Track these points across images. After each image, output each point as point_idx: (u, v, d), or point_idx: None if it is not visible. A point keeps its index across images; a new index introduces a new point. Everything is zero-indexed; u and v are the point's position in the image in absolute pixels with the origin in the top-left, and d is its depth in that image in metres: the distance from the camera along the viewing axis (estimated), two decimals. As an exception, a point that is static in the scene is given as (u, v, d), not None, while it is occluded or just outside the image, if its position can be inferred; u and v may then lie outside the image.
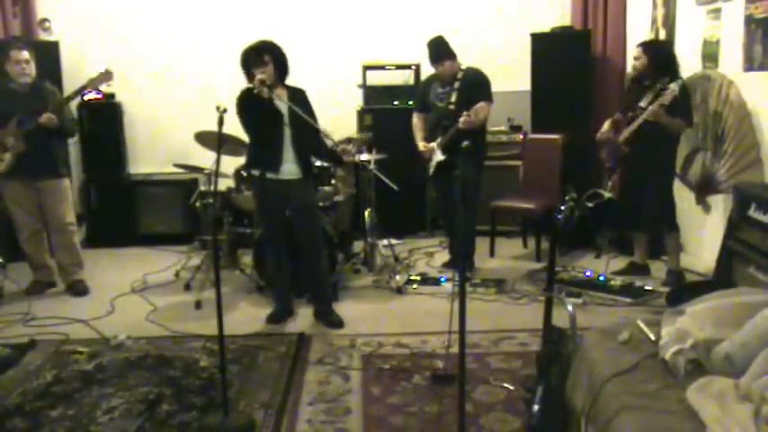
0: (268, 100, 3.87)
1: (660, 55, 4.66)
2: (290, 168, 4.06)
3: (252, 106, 3.96)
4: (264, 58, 3.93)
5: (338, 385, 3.40)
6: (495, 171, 5.85)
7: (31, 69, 4.66)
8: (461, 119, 4.61)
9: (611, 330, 2.71)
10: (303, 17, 6.34)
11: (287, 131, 4.03)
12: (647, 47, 4.68)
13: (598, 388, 2.32)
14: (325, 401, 3.23)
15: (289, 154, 4.04)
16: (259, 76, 3.85)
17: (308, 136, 4.08)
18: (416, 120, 5.19)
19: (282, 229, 4.24)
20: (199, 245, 6.04)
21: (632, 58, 4.76)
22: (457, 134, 4.67)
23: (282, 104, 4.00)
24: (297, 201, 4.14)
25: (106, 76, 4.65)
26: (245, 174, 5.07)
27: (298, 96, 4.10)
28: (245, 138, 4.61)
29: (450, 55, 4.86)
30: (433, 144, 4.98)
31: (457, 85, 4.88)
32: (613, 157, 4.82)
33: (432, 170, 5.05)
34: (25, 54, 4.61)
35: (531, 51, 6.02)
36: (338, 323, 4.18)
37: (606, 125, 4.90)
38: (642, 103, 4.57)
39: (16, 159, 4.59)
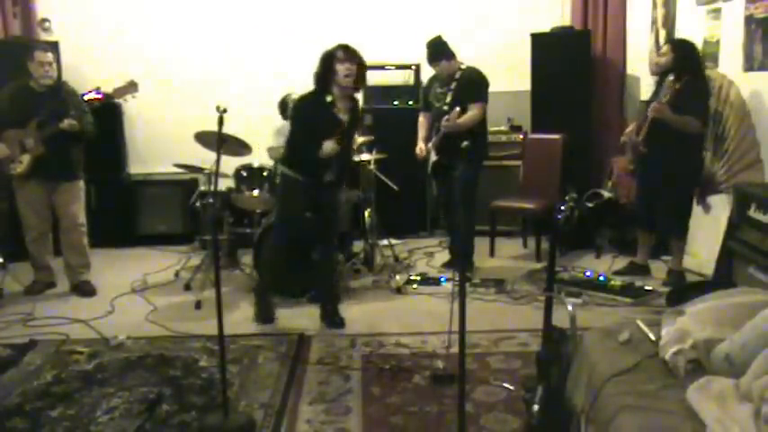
0: (331, 104, 3.93)
1: (685, 53, 4.53)
2: (331, 175, 4.10)
3: (316, 112, 3.95)
4: (356, 60, 3.94)
5: (338, 385, 3.39)
6: (495, 171, 5.85)
7: (54, 71, 4.67)
8: (442, 122, 4.65)
9: (611, 330, 2.71)
10: (303, 17, 6.34)
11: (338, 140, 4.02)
12: (675, 45, 4.61)
13: (598, 388, 2.32)
14: (325, 401, 3.23)
15: (335, 162, 4.05)
16: (349, 68, 3.87)
17: (350, 149, 4.25)
18: (422, 119, 5.19)
19: (299, 230, 4.22)
20: (199, 245, 6.04)
21: (658, 55, 4.69)
22: (446, 136, 4.68)
23: (343, 115, 4.01)
24: (327, 204, 4.17)
25: (132, 86, 4.67)
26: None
27: (356, 108, 4.17)
28: (245, 137, 4.62)
29: (447, 55, 4.86)
30: (429, 144, 4.99)
31: (454, 85, 4.89)
32: (636, 159, 4.77)
33: (430, 169, 5.07)
34: (49, 56, 4.62)
35: (531, 51, 6.02)
36: (339, 323, 4.18)
37: (630, 126, 4.81)
38: (662, 100, 4.53)
39: (35, 162, 4.59)
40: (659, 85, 4.63)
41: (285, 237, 4.22)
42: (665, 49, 4.64)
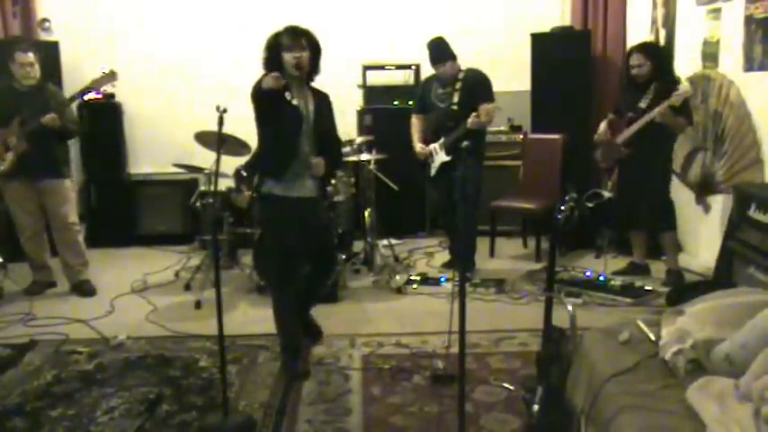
0: (283, 88, 3.29)
1: (662, 58, 4.63)
2: (307, 184, 3.54)
3: (270, 95, 3.30)
4: (303, 42, 3.40)
5: (338, 385, 3.40)
6: (495, 171, 5.85)
7: (36, 72, 4.65)
8: (470, 119, 4.61)
9: (611, 330, 2.71)
10: (303, 17, 6.31)
11: (307, 139, 3.50)
12: (648, 53, 4.62)
13: (598, 388, 2.32)
14: (325, 401, 3.23)
15: (308, 166, 3.50)
16: (296, 56, 3.35)
17: (330, 151, 3.61)
18: (415, 121, 5.17)
19: (298, 261, 3.61)
20: (199, 245, 6.04)
21: (632, 65, 4.65)
22: (463, 134, 4.65)
23: (308, 107, 3.50)
24: (313, 224, 3.63)
25: (110, 76, 4.64)
26: (244, 173, 5.03)
27: (324, 102, 3.62)
28: (245, 137, 4.61)
29: (452, 56, 4.86)
30: (434, 145, 4.98)
31: (458, 85, 4.88)
32: (611, 158, 4.83)
33: (434, 171, 5.04)
34: (30, 57, 4.61)
35: (531, 51, 6.02)
36: (317, 333, 3.94)
37: (603, 126, 4.89)
38: (642, 104, 4.56)
39: (18, 159, 4.59)
40: (637, 90, 4.64)
41: (283, 277, 3.58)
42: (638, 59, 4.60)
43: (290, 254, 3.54)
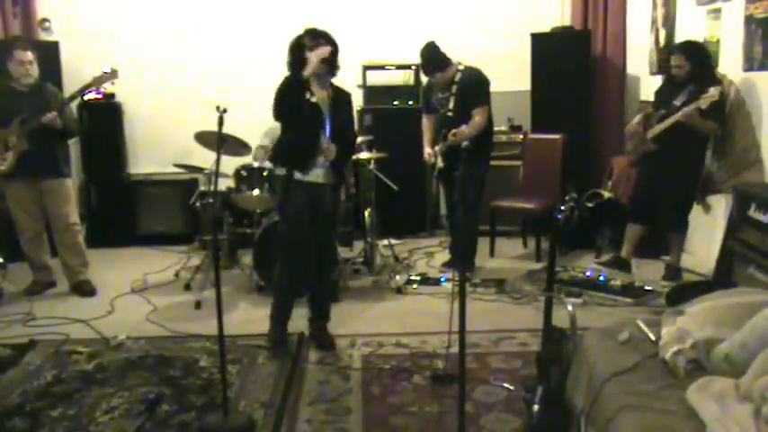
0: (304, 86, 3.60)
1: (703, 60, 4.53)
2: (319, 172, 3.77)
3: (292, 94, 3.65)
4: (323, 41, 3.67)
5: (338, 385, 3.40)
6: (495, 171, 5.83)
7: (35, 70, 4.65)
8: (449, 138, 4.66)
9: (611, 330, 2.72)
10: (304, 17, 6.32)
11: (324, 132, 3.76)
12: (687, 54, 4.54)
13: (598, 388, 2.32)
14: (325, 401, 3.23)
15: (322, 157, 3.75)
16: (320, 52, 3.60)
17: (344, 141, 3.86)
18: (425, 120, 5.19)
19: (310, 238, 3.80)
20: (199, 245, 6.04)
21: (671, 65, 4.60)
22: (455, 146, 4.65)
23: (323, 102, 3.75)
24: (323, 209, 3.82)
25: (111, 75, 4.64)
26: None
27: (342, 98, 3.88)
28: (245, 137, 4.61)
29: (441, 66, 4.85)
30: (436, 149, 4.99)
31: (454, 89, 4.87)
32: (638, 151, 4.81)
33: (436, 171, 5.06)
34: (29, 55, 4.61)
35: (531, 51, 6.02)
36: (329, 345, 3.89)
37: (637, 118, 4.86)
38: (677, 102, 4.53)
39: (18, 159, 4.59)
40: (674, 86, 4.62)
41: (295, 247, 3.81)
42: (678, 60, 4.55)
43: (299, 232, 3.78)
